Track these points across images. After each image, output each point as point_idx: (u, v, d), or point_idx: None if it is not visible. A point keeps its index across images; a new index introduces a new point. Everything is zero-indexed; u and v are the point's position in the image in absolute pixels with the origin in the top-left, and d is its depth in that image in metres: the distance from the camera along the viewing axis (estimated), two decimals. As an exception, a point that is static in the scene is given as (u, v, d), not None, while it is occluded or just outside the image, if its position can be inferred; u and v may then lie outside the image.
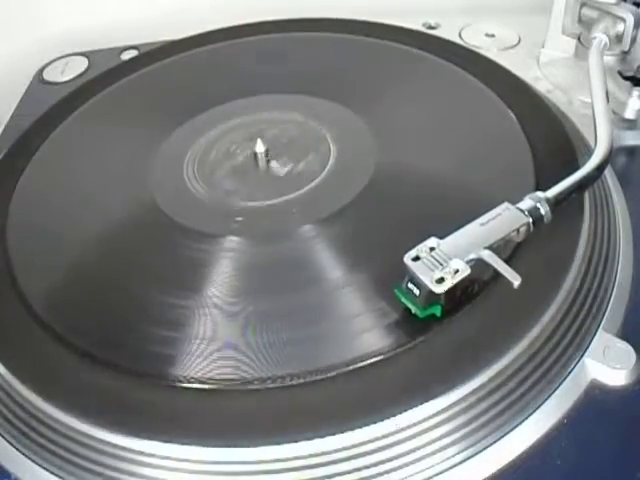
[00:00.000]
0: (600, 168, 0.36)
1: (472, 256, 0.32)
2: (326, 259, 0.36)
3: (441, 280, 0.31)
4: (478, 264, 0.32)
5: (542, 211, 0.34)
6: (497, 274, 0.31)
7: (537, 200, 0.34)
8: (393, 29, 0.53)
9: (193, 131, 0.47)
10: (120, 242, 0.40)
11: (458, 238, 0.33)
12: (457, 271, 0.31)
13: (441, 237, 0.32)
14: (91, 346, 0.34)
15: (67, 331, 0.34)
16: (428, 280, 0.31)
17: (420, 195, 0.39)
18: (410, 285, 0.32)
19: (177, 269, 0.37)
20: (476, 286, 0.33)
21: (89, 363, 0.33)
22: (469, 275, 0.31)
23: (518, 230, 0.33)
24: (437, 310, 0.32)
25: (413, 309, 0.32)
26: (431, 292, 0.31)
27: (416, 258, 0.32)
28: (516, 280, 0.30)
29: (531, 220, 0.33)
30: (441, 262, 0.31)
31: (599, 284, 0.35)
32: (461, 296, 0.32)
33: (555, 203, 0.34)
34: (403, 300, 0.32)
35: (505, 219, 0.33)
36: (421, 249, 0.32)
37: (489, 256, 0.31)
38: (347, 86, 0.48)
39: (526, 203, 0.34)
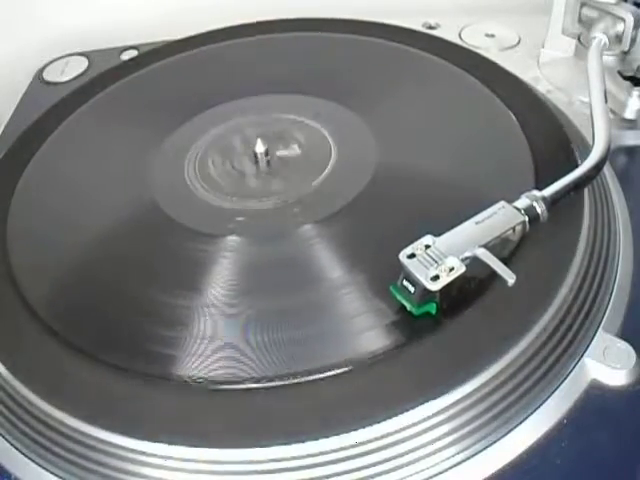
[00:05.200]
0: (597, 167, 0.36)
1: (467, 254, 0.32)
2: (326, 259, 0.36)
3: (436, 278, 0.31)
4: (476, 263, 0.32)
5: (538, 210, 0.34)
6: (493, 273, 0.31)
7: (533, 199, 0.34)
8: (393, 29, 0.53)
9: (193, 131, 0.47)
10: (120, 242, 0.40)
11: (453, 236, 0.33)
12: (452, 269, 0.31)
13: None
14: (91, 346, 0.34)
15: (67, 331, 0.34)
16: (423, 277, 0.31)
17: (420, 195, 0.39)
18: (405, 282, 0.32)
19: (178, 269, 0.37)
20: (472, 284, 0.33)
21: (89, 363, 0.33)
22: (464, 273, 0.31)
23: (514, 229, 0.33)
24: (432, 308, 0.32)
25: (408, 306, 0.32)
26: (426, 290, 0.31)
27: (411, 255, 0.32)
28: (511, 278, 0.30)
29: (527, 219, 0.33)
30: (436, 260, 0.31)
31: (599, 284, 0.35)
32: (457, 294, 0.32)
33: (552, 202, 0.34)
34: (398, 297, 0.32)
35: (501, 217, 0.33)
36: (416, 247, 0.32)
37: (484, 254, 0.31)
38: (347, 86, 0.48)
39: (522, 202, 0.34)
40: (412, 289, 0.31)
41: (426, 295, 0.31)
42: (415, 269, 0.31)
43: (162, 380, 0.32)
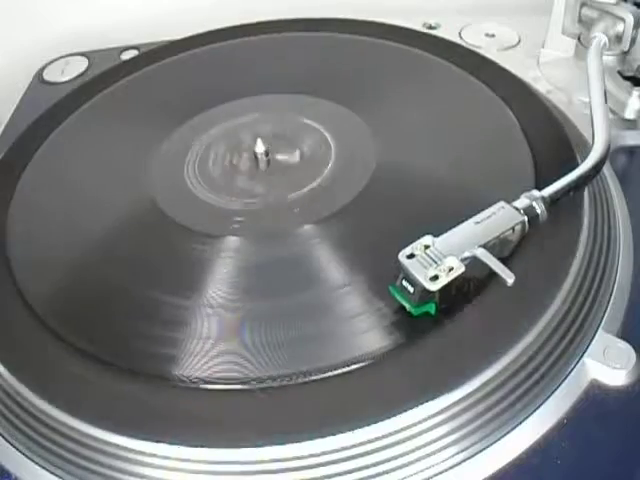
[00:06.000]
0: (597, 167, 0.36)
1: (467, 254, 0.32)
2: (326, 259, 0.36)
3: (435, 278, 0.31)
4: (475, 263, 0.32)
5: (538, 210, 0.34)
6: (493, 273, 0.31)
7: (533, 199, 0.34)
8: (393, 29, 0.53)
9: (193, 131, 0.47)
10: (120, 242, 0.40)
11: (453, 236, 0.33)
12: (451, 269, 0.31)
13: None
14: (91, 346, 0.34)
15: (67, 331, 0.35)
16: (422, 277, 0.31)
17: (420, 195, 0.39)
18: (404, 283, 0.32)
19: (177, 269, 0.37)
20: (471, 285, 0.32)
21: (89, 363, 0.33)
22: (464, 273, 0.31)
23: (513, 229, 0.33)
24: (431, 308, 0.32)
25: (407, 306, 0.32)
26: (425, 290, 0.31)
27: (411, 256, 0.32)
28: (510, 278, 0.30)
29: (526, 219, 0.33)
30: (435, 260, 0.31)
31: (599, 284, 0.35)
32: (456, 294, 0.32)
33: (551, 202, 0.34)
34: (397, 297, 0.32)
35: (500, 218, 0.33)
36: (416, 247, 0.32)
37: (483, 254, 0.31)
38: (347, 86, 0.48)
39: (522, 202, 0.34)
40: (411, 289, 0.31)
41: (425, 295, 0.31)
42: (414, 269, 0.31)
43: (162, 380, 0.32)
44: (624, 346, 0.32)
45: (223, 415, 0.30)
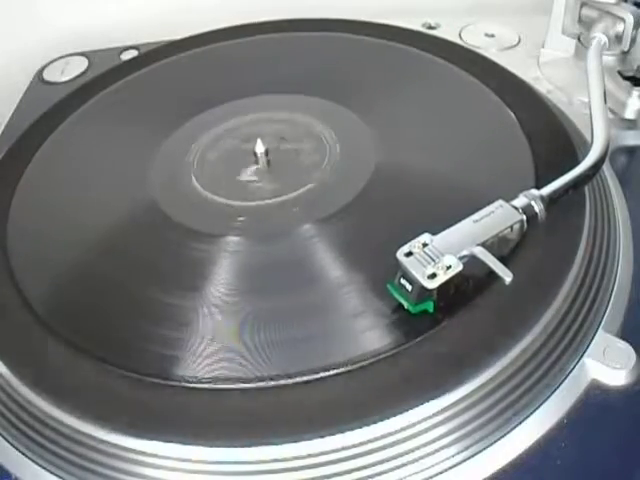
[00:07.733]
0: (596, 166, 0.36)
1: (465, 252, 0.32)
2: (326, 259, 0.36)
3: (433, 276, 0.31)
4: (474, 262, 0.32)
5: (536, 208, 0.34)
6: (492, 272, 0.31)
7: (531, 198, 0.34)
8: (393, 29, 0.53)
9: (193, 131, 0.47)
10: (120, 242, 0.40)
11: (451, 234, 0.33)
12: (449, 267, 0.31)
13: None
14: (92, 346, 0.34)
15: (67, 331, 0.34)
16: (420, 275, 0.31)
17: (420, 195, 0.39)
18: (402, 280, 0.32)
19: (178, 269, 0.37)
20: (470, 283, 0.32)
21: (89, 363, 0.33)
22: (462, 271, 0.31)
23: (512, 227, 0.33)
24: (429, 306, 0.32)
25: (405, 304, 0.32)
26: (423, 288, 0.31)
27: (409, 254, 0.32)
28: (507, 277, 0.30)
29: (525, 217, 0.33)
30: (433, 258, 0.31)
31: (599, 284, 0.35)
32: (455, 293, 0.32)
33: (550, 201, 0.34)
34: (395, 295, 0.32)
35: (498, 216, 0.33)
36: (414, 245, 0.32)
37: (481, 252, 0.31)
38: (347, 86, 0.48)
39: (520, 200, 0.34)
40: (409, 287, 0.31)
41: (423, 293, 0.31)
42: (412, 267, 0.31)
43: (162, 380, 0.32)
44: (624, 346, 0.32)
45: (223, 415, 0.30)
